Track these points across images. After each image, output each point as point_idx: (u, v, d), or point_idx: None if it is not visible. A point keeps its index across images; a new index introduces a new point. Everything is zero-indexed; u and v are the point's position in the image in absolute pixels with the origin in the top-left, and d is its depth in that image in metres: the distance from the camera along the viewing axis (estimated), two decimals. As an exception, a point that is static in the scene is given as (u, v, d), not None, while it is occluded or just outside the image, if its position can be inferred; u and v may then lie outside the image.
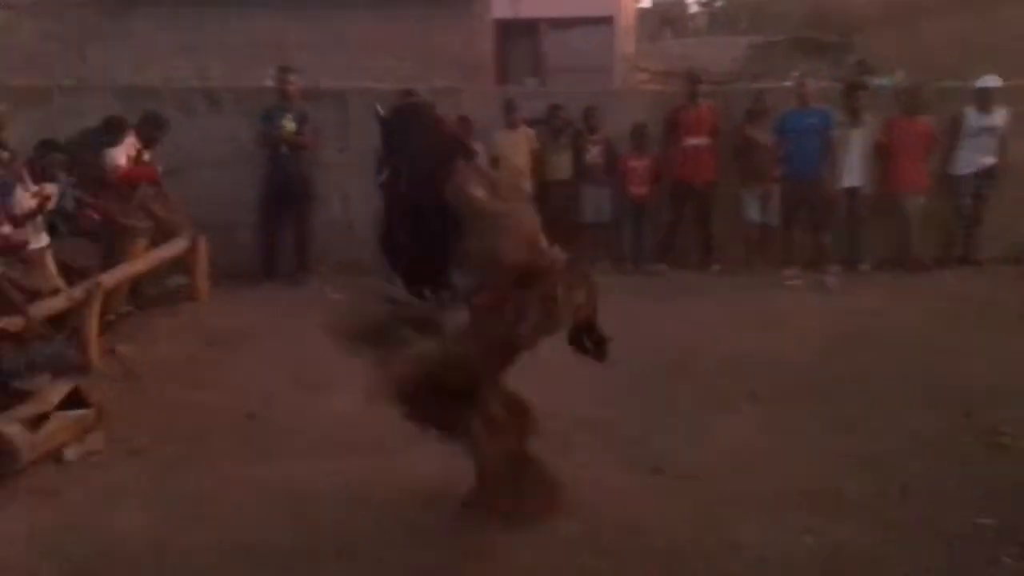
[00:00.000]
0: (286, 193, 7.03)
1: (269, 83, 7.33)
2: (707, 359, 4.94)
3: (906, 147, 6.77)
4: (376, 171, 3.17)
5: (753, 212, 6.93)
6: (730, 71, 11.90)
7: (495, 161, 7.16)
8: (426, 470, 3.40)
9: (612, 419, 4.08)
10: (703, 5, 28.43)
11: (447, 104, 7.46)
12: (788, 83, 7.19)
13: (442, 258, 2.84)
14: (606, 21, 15.05)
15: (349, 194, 7.29)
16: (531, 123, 7.27)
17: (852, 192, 6.80)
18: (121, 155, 5.94)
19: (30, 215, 4.89)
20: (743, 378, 4.60)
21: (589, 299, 2.91)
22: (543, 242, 2.85)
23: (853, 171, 6.75)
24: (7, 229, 4.70)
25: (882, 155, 6.79)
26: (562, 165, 7.18)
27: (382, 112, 3.10)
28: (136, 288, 6.10)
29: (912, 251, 6.81)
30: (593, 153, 7.15)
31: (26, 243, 4.83)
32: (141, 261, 5.77)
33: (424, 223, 2.85)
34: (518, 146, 7.15)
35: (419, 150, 2.86)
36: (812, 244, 6.71)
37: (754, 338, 5.33)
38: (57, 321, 4.71)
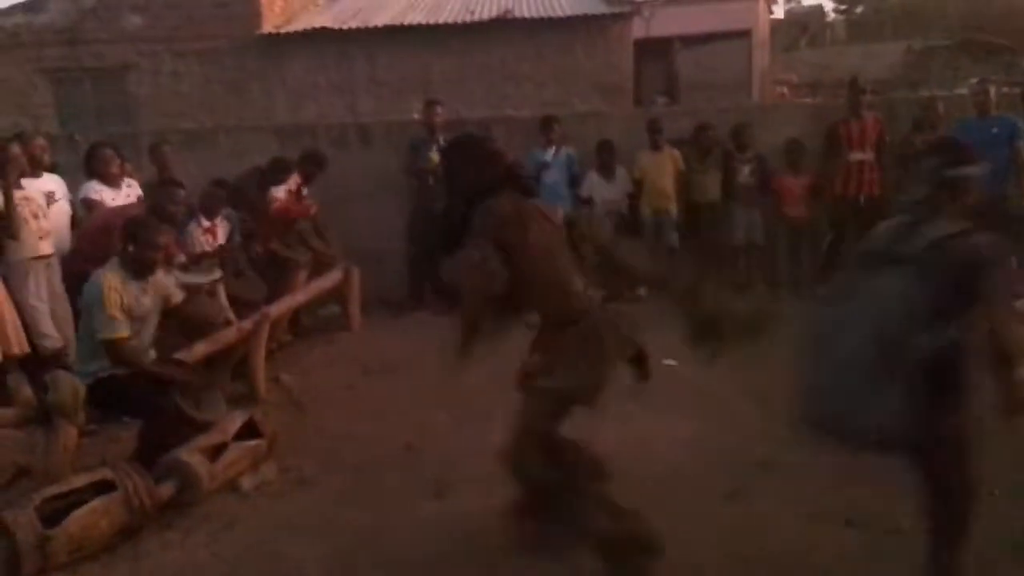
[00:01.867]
0: (434, 222, 7.13)
1: (416, 116, 7.51)
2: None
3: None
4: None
5: (925, 231, 6.38)
6: (882, 79, 11.21)
7: (639, 184, 7.00)
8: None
9: (791, 463, 3.77)
10: (841, 12, 27.03)
11: (591, 128, 7.42)
12: (963, 90, 6.61)
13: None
14: (742, 35, 14.58)
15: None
16: (675, 143, 7.07)
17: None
18: (282, 192, 6.21)
19: (206, 255, 5.18)
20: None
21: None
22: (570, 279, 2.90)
23: None
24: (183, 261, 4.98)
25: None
26: (710, 186, 6.92)
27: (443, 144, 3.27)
28: (295, 319, 6.34)
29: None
30: (744, 173, 6.84)
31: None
32: (302, 292, 5.98)
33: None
34: (663, 167, 6.96)
35: (469, 181, 2.93)
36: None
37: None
38: (225, 352, 4.92)
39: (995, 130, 5.98)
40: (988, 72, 9.18)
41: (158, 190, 4.92)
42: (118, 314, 3.74)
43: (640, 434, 4.05)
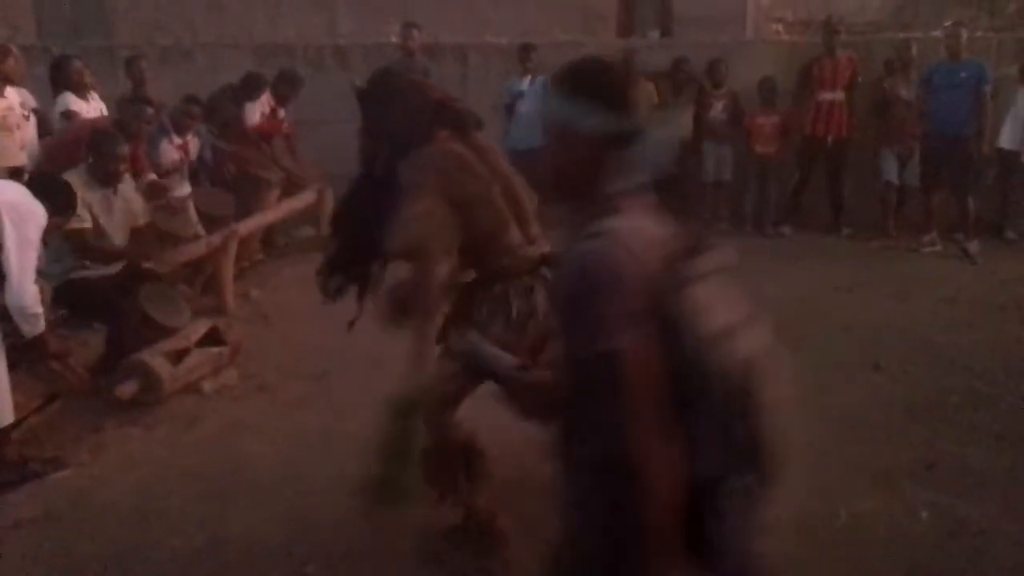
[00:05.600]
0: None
1: (394, 39, 7.48)
2: (831, 327, 4.73)
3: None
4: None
5: (891, 172, 6.51)
6: (873, 20, 11.11)
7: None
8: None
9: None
10: (847, -50, 26.48)
11: (569, 58, 7.38)
12: (937, 33, 6.64)
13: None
14: (739, -34, 14.30)
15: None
16: (654, 77, 7.08)
17: (1007, 156, 6.25)
18: (256, 111, 6.24)
19: (175, 166, 5.25)
20: (868, 347, 4.40)
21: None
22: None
23: (1015, 134, 6.19)
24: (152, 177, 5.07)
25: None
26: (684, 123, 6.96)
27: (358, 85, 2.68)
28: (268, 238, 6.45)
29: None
30: (717, 109, 6.90)
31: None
32: (273, 211, 6.08)
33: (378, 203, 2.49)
34: (639, 100, 6.99)
35: (395, 128, 2.50)
36: (954, 208, 6.24)
37: (883, 306, 5.07)
38: (195, 265, 5.07)
39: (963, 74, 6.03)
40: (975, 15, 9.14)
41: (125, 105, 4.97)
42: (81, 210, 3.87)
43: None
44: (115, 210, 4.15)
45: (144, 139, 5.00)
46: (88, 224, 3.95)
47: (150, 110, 4.86)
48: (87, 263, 4.07)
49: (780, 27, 15.45)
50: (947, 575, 2.64)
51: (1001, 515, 2.89)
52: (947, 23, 6.43)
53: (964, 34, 6.20)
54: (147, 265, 4.18)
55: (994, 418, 3.62)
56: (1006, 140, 6.23)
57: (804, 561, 2.66)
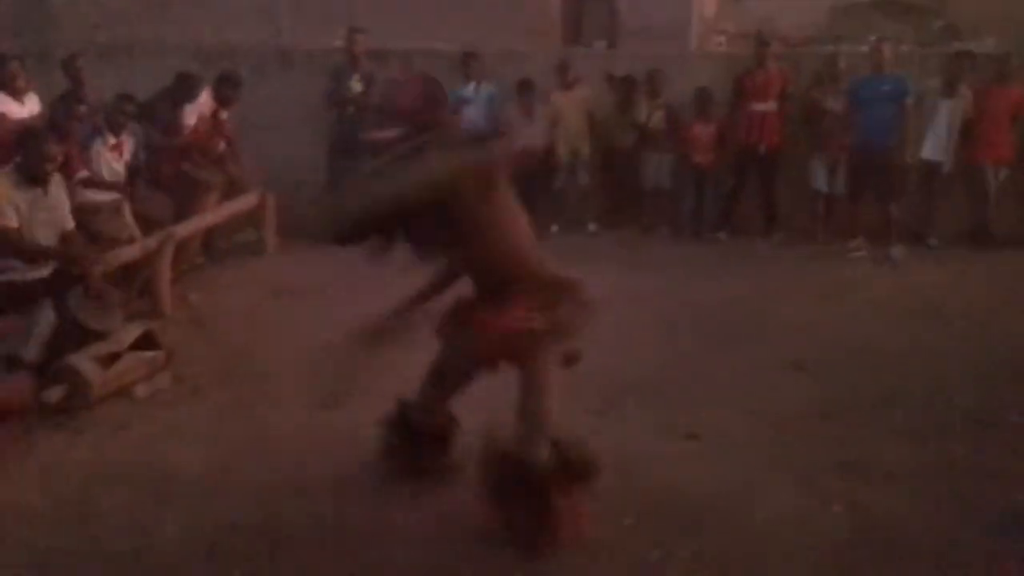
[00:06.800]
0: (352, 153, 7.20)
1: (339, 43, 7.48)
2: (758, 328, 4.89)
3: (993, 116, 6.43)
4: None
5: (820, 181, 6.74)
6: (809, 34, 11.47)
7: (555, 123, 7.16)
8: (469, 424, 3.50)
9: (657, 385, 4.11)
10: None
11: (512, 66, 7.51)
12: (865, 47, 6.91)
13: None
14: (683, -19, 14.61)
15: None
16: (610, 79, 7.22)
17: (930, 166, 6.53)
18: (193, 114, 6.19)
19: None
20: (792, 348, 4.55)
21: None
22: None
23: (936, 145, 6.45)
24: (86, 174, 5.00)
25: (970, 127, 6.47)
26: (627, 135, 7.11)
27: None
28: (208, 241, 6.40)
29: (989, 226, 6.52)
30: (655, 119, 7.06)
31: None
32: (212, 214, 6.03)
33: None
34: (574, 107, 7.13)
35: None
36: (879, 216, 6.50)
37: (809, 309, 5.26)
38: (131, 268, 5.00)
39: (886, 87, 6.29)
40: (904, 30, 9.50)
41: (57, 105, 4.90)
42: (6, 208, 3.80)
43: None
44: (44, 210, 4.08)
45: (77, 139, 4.93)
46: (14, 223, 3.88)
47: (82, 107, 4.79)
48: (15, 264, 4.00)
49: (723, 39, 15.84)
50: (860, 565, 2.75)
51: (912, 507, 3.04)
52: (872, 37, 6.70)
53: (888, 48, 6.46)
54: (78, 267, 4.11)
55: (908, 416, 3.78)
56: (928, 151, 6.50)
57: (724, 556, 2.78)
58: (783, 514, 3.01)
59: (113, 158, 5.46)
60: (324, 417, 3.81)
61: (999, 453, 3.42)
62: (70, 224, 4.26)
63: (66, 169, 4.57)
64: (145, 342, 4.19)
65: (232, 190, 6.37)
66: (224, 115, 6.46)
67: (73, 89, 5.89)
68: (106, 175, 5.30)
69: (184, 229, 5.48)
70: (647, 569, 2.72)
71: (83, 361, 3.78)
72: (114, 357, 3.96)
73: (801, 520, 2.98)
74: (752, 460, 3.39)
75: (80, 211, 4.63)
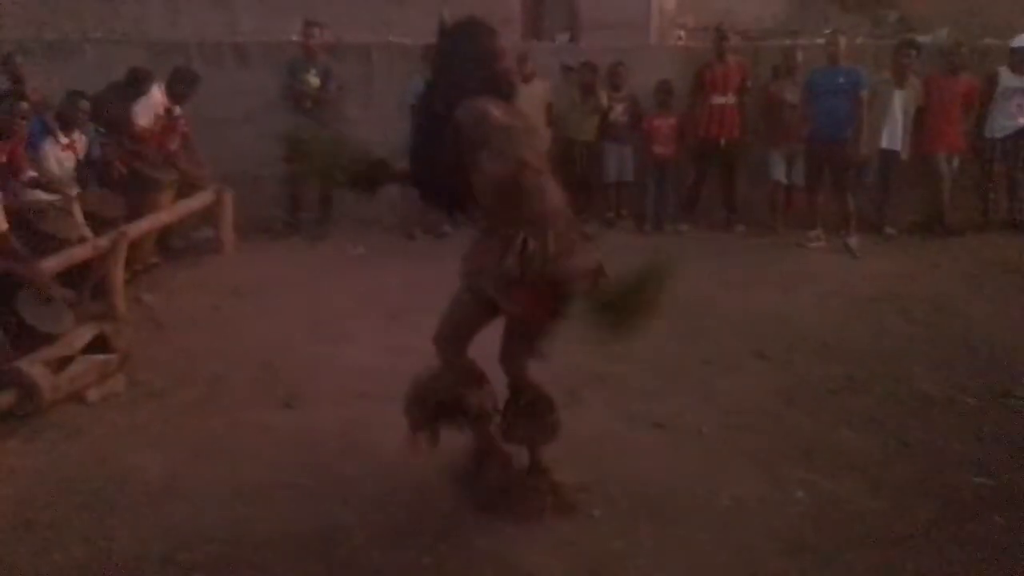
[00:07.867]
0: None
1: (295, 37, 7.36)
2: (720, 319, 4.93)
3: (944, 107, 6.57)
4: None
5: (778, 172, 6.81)
6: (767, 28, 11.59)
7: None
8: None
9: (621, 375, 4.11)
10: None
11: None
12: (821, 40, 6.99)
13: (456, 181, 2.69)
14: (643, -27, 14.67)
15: (372, 150, 7.31)
16: (568, 69, 7.21)
17: (887, 155, 6.63)
18: (145, 110, 6.04)
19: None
20: (754, 338, 4.60)
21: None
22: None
23: (893, 134, 6.55)
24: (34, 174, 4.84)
25: (923, 117, 6.60)
26: (589, 126, 7.11)
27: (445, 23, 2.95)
28: (164, 240, 6.25)
29: (944, 215, 6.64)
30: (617, 111, 7.07)
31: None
32: (166, 213, 5.89)
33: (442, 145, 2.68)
34: (533, 99, 7.09)
35: (461, 75, 2.65)
36: (837, 206, 6.59)
37: (770, 299, 5.31)
38: (83, 269, 4.86)
39: (841, 79, 6.37)
40: (858, 23, 9.65)
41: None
42: None
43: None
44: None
45: (23, 138, 4.77)
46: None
47: (24, 105, 4.63)
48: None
49: (683, 32, 15.95)
50: (823, 550, 2.77)
51: (872, 493, 3.07)
52: (827, 30, 6.77)
53: (843, 41, 6.54)
54: (24, 268, 3.99)
55: (868, 403, 3.84)
56: (886, 140, 6.60)
57: (688, 542, 2.79)
58: (746, 501, 3.03)
59: (66, 157, 5.31)
60: (283, 418, 3.75)
61: (958, 436, 3.48)
62: (3, 226, 4.12)
63: (11, 168, 4.42)
64: (98, 345, 4.08)
65: (188, 187, 6.23)
66: (178, 111, 6.32)
67: (14, 88, 5.71)
68: (58, 174, 5.14)
69: (137, 228, 5.34)
70: (612, 558, 2.72)
71: (33, 365, 3.66)
72: (66, 361, 3.84)
73: (764, 507, 3.00)
74: (715, 448, 3.42)
75: (28, 212, 4.49)
